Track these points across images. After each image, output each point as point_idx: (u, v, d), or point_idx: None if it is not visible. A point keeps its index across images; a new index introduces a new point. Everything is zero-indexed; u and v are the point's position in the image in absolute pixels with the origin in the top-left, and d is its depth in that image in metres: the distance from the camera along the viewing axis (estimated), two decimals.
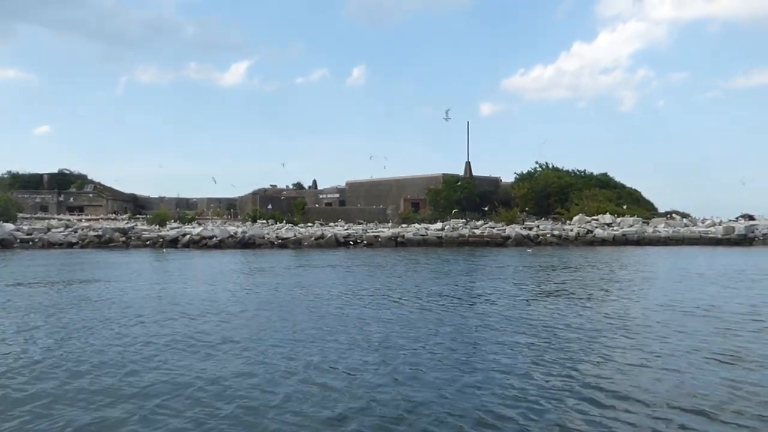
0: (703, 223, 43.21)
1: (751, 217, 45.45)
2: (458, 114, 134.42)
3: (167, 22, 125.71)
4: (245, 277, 16.53)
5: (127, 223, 41.50)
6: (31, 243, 31.86)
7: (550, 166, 57.19)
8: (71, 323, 9.01)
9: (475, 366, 6.42)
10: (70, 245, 32.32)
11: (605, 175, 56.09)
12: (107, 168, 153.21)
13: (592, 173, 56.01)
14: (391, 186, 56.89)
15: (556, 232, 36.55)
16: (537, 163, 57.79)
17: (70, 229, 36.01)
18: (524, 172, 57.29)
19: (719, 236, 36.36)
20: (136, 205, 66.36)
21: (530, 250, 29.73)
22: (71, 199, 61.92)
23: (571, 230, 37.25)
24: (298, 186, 69.25)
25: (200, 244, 32.37)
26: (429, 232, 36.10)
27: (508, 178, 58.77)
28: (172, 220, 43.26)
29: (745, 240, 35.64)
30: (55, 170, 66.49)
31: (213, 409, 5.01)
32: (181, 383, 5.73)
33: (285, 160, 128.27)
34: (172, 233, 34.26)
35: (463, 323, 9.04)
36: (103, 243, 33.17)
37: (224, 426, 4.66)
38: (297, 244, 32.84)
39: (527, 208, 49.48)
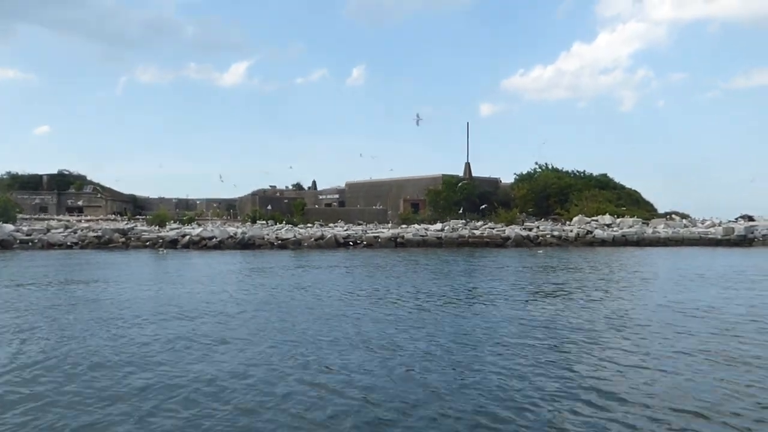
0: (702, 223, 43.23)
1: (750, 218, 45.48)
2: (458, 114, 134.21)
3: (167, 22, 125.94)
4: (244, 278, 16.51)
5: (126, 223, 41.48)
6: (30, 244, 31.82)
7: (550, 166, 57.23)
8: (69, 324, 9.00)
9: (474, 367, 6.41)
10: (70, 246, 32.31)
11: (605, 175, 56.14)
12: (107, 168, 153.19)
13: (591, 174, 56.08)
14: (390, 187, 56.90)
15: (555, 233, 36.54)
16: (537, 163, 57.93)
17: (69, 230, 35.98)
18: (524, 172, 57.42)
19: (719, 237, 36.37)
20: (135, 205, 66.40)
21: (541, 251, 29.66)
22: (71, 199, 61.93)
23: (571, 231, 37.24)
24: (298, 187, 69.24)
25: (200, 244, 32.35)
26: (429, 232, 36.09)
27: (507, 178, 58.90)
28: (172, 221, 43.25)
29: (745, 241, 35.65)
30: (54, 171, 66.60)
31: (209, 410, 5.00)
32: (178, 384, 5.72)
33: (285, 160, 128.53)
34: (172, 234, 34.24)
35: (461, 324, 9.02)
36: (102, 244, 33.14)
37: (220, 427, 4.65)
38: (297, 244, 32.82)
39: (530, 209, 49.47)
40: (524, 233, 36.14)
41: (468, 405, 5.14)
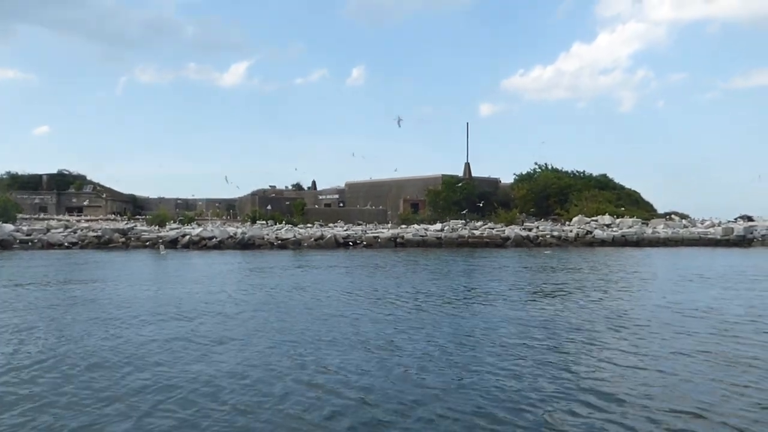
0: (702, 224, 43.23)
1: (749, 219, 45.50)
2: (458, 114, 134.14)
3: (167, 22, 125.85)
4: (244, 278, 16.52)
5: (126, 223, 41.48)
6: (30, 244, 31.82)
7: (550, 167, 57.23)
8: (68, 324, 9.00)
9: (472, 367, 6.41)
10: (70, 246, 32.32)
11: (604, 176, 56.15)
12: (107, 168, 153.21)
13: (591, 174, 56.10)
14: (390, 187, 56.92)
15: (555, 233, 36.55)
16: (536, 164, 57.94)
17: (69, 230, 35.98)
18: (523, 173, 57.42)
19: (718, 237, 36.40)
20: (135, 205, 66.39)
21: (548, 251, 29.61)
22: (71, 199, 61.92)
23: (571, 231, 37.25)
24: (298, 187, 69.21)
25: (200, 245, 32.35)
26: (428, 233, 36.08)
27: (507, 178, 58.91)
28: (172, 221, 43.26)
29: (744, 241, 35.67)
30: (54, 171, 66.53)
31: (207, 410, 5.00)
32: (176, 384, 5.71)
33: (285, 160, 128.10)
34: (172, 234, 34.25)
35: (460, 324, 9.02)
36: (102, 244, 33.14)
37: (218, 427, 4.64)
38: (296, 244, 32.83)
39: (532, 209, 49.47)
40: (524, 233, 36.14)
41: (466, 406, 5.14)
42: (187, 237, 33.05)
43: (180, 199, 66.17)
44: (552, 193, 52.05)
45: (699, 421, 4.74)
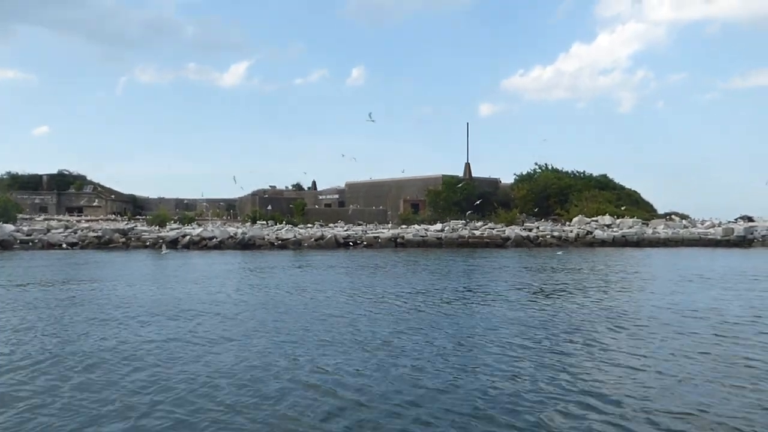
0: (702, 224, 43.20)
1: (750, 219, 45.46)
2: (458, 114, 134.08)
3: (167, 22, 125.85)
4: (244, 278, 16.52)
5: (126, 224, 41.49)
6: (30, 244, 31.84)
7: (550, 167, 57.17)
8: (67, 324, 9.00)
9: (471, 368, 6.40)
10: (70, 246, 32.32)
11: (604, 176, 56.11)
12: (107, 168, 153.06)
13: (591, 174, 56.05)
14: (390, 187, 56.90)
15: (555, 234, 36.55)
16: (536, 164, 57.86)
17: (69, 230, 35.99)
18: (524, 173, 57.38)
19: (718, 238, 36.36)
20: (135, 206, 66.39)
21: (560, 252, 29.58)
22: (71, 200, 61.93)
23: (571, 231, 37.24)
24: (298, 187, 69.19)
25: (200, 245, 32.37)
26: (428, 233, 36.07)
27: (507, 179, 58.87)
28: (172, 221, 43.26)
29: (744, 241, 35.63)
30: (54, 171, 66.50)
31: (204, 410, 4.99)
32: (174, 384, 5.71)
33: (285, 160, 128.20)
34: (172, 234, 34.25)
35: (460, 324, 9.02)
36: (102, 244, 33.16)
37: (215, 427, 4.64)
38: (297, 245, 32.84)
39: (536, 209, 49.44)
40: (524, 234, 36.14)
41: (464, 407, 5.13)
42: (188, 237, 33.06)
43: (180, 199, 66.17)
44: (552, 193, 52.01)
45: (699, 422, 4.73)
